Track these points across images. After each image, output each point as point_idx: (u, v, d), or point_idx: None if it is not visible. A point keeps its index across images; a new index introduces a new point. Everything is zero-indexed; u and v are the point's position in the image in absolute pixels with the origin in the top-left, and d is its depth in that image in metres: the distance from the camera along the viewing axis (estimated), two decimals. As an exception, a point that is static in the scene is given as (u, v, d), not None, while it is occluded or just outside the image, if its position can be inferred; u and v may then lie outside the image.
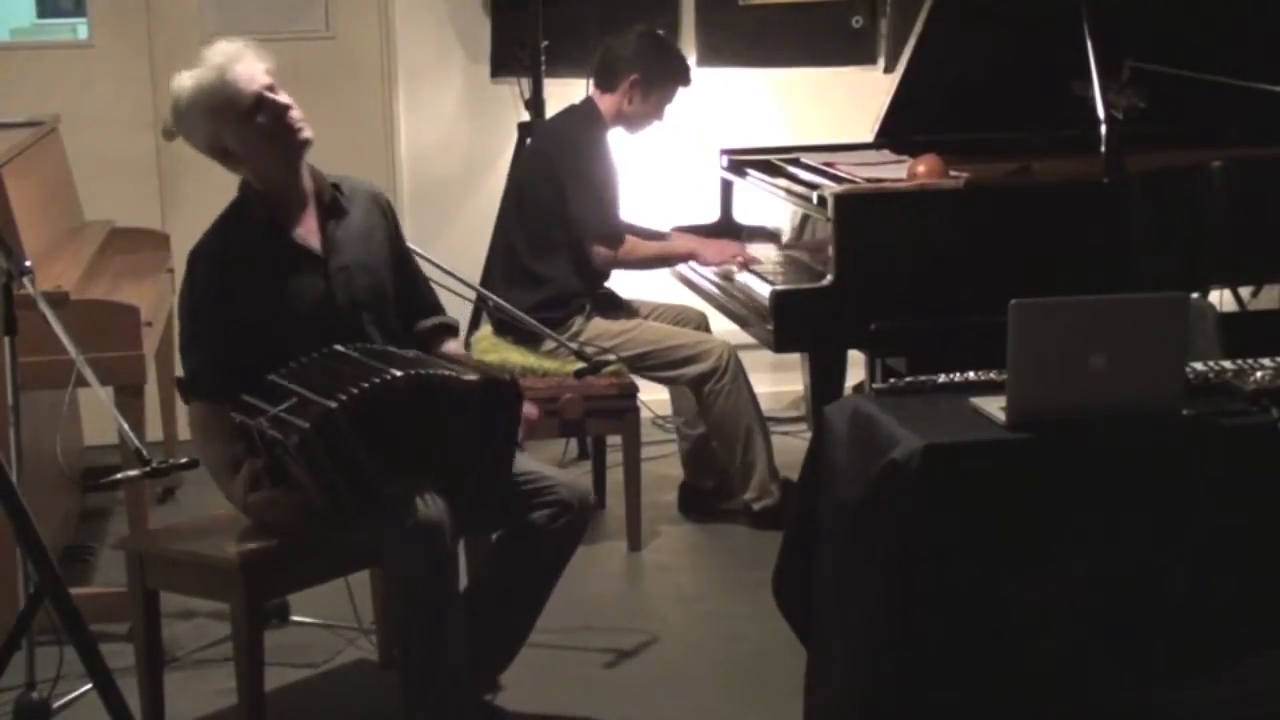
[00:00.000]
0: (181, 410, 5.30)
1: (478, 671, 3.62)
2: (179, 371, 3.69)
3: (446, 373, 3.48)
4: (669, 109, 5.24)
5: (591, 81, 5.25)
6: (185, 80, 3.57)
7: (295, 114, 3.58)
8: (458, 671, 3.46)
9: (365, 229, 3.73)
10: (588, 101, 5.25)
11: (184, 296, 3.63)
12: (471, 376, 3.48)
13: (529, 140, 5.50)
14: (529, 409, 3.70)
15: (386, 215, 3.81)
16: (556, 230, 5.09)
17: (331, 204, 3.69)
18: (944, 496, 3.01)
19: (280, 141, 3.57)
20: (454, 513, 3.44)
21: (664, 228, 5.41)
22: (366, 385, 3.34)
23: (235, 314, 3.55)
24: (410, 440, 3.42)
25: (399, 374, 3.37)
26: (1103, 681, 3.09)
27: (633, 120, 5.20)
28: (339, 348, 3.51)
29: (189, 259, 3.63)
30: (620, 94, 5.16)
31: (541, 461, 3.99)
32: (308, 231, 3.65)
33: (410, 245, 3.90)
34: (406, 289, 3.81)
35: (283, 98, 3.58)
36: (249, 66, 3.56)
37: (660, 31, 5.43)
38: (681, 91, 5.25)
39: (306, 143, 3.59)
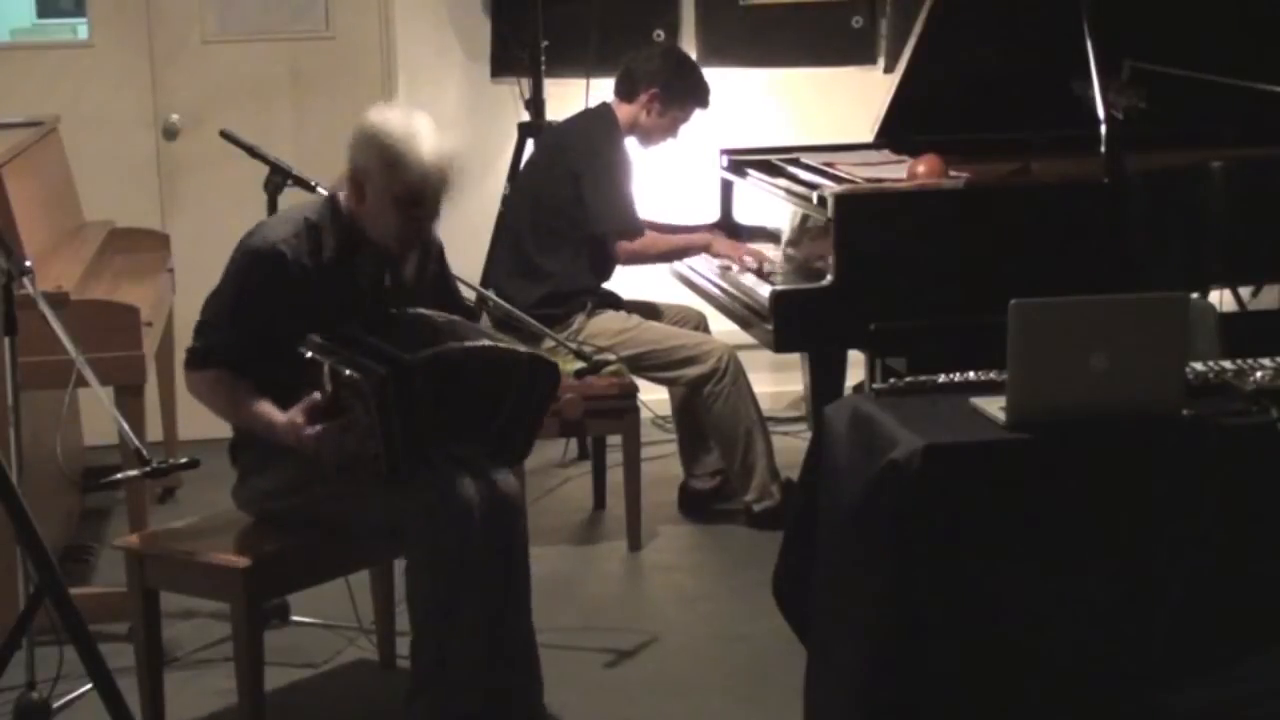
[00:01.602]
0: (182, 412, 5.32)
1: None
2: (190, 344, 3.66)
3: (505, 345, 3.57)
4: (683, 128, 5.27)
5: (612, 88, 5.28)
6: (397, 116, 3.57)
7: (418, 242, 3.65)
8: (470, 662, 3.46)
9: (415, 275, 3.78)
10: (605, 106, 5.27)
11: (233, 284, 3.60)
12: (522, 349, 3.58)
13: (543, 139, 5.50)
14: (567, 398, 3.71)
15: (434, 261, 3.83)
16: (567, 227, 5.11)
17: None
18: (944, 496, 3.01)
19: (391, 237, 3.60)
20: (483, 496, 3.48)
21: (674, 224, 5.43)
22: (444, 351, 3.45)
23: (279, 321, 3.56)
24: (465, 409, 3.49)
25: (471, 345, 3.48)
26: (1103, 681, 3.09)
27: (648, 133, 5.23)
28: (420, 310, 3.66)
29: (251, 253, 3.59)
30: (639, 105, 5.19)
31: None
32: (368, 271, 3.68)
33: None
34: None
35: (429, 226, 3.63)
36: (436, 174, 3.53)
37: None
38: (698, 113, 5.27)
39: (400, 260, 3.68)
